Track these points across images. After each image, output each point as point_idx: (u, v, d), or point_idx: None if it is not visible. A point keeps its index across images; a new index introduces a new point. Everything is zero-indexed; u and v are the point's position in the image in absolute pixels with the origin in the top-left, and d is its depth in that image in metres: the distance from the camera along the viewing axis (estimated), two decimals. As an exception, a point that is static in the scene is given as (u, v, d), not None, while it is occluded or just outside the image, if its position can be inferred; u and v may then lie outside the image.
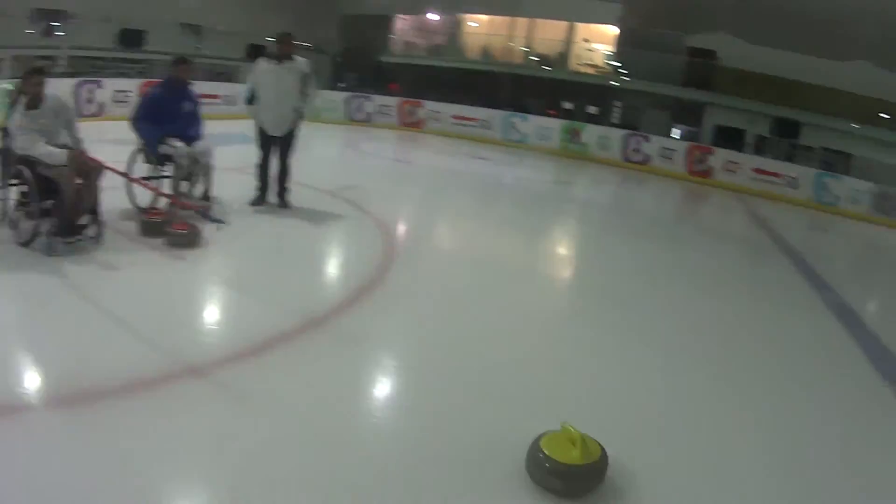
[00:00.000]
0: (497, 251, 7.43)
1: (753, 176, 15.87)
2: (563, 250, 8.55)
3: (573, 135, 17.86)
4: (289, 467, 2.66)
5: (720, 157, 16.38)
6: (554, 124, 18.16)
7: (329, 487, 2.59)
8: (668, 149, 17.04)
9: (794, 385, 4.47)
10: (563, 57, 21.75)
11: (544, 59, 21.87)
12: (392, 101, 18.52)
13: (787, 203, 15.12)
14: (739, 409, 3.90)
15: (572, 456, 2.66)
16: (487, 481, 2.79)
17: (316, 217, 6.79)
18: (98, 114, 12.14)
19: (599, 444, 2.80)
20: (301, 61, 6.37)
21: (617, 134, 17.74)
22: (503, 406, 3.44)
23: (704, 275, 7.62)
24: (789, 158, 16.96)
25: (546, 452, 2.69)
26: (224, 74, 18.99)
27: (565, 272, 7.38)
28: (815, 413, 4.08)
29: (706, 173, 16.39)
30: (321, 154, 12.45)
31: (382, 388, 3.71)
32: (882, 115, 17.74)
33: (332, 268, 5.92)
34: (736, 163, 16.17)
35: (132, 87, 12.75)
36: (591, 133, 17.80)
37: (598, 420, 3.15)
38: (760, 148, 17.71)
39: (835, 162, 16.71)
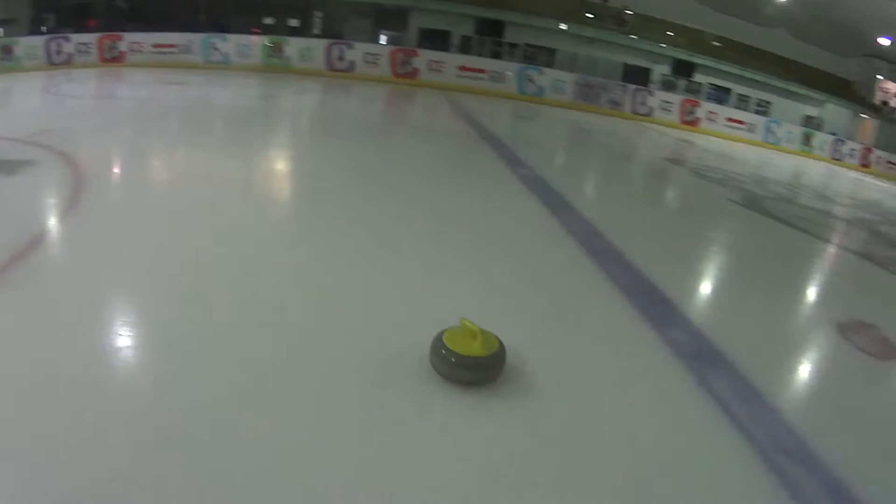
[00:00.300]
0: (208, 173, 6.61)
1: (458, 73, 15.00)
2: (282, 164, 7.67)
3: (275, 50, 16.12)
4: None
5: (424, 58, 15.25)
6: (255, 42, 16.52)
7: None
8: (373, 54, 15.63)
9: (513, 242, 5.09)
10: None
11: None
12: (91, 38, 16.04)
13: (494, 96, 14.73)
14: (496, 266, 4.32)
15: (474, 348, 2.78)
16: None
17: (6, 168, 5.95)
18: None
19: (496, 336, 2.92)
20: None
21: (320, 44, 16.20)
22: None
23: (421, 168, 7.62)
24: (495, 55, 16.27)
25: (450, 347, 2.77)
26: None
27: (290, 185, 6.76)
28: (528, 256, 4.71)
29: (412, 74, 15.16)
30: (17, 104, 11.26)
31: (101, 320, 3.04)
32: (587, 14, 17.74)
33: (23, 215, 4.85)
34: (440, 62, 15.15)
35: None
36: (294, 46, 16.25)
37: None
38: (466, 47, 16.86)
39: (538, 57, 16.31)
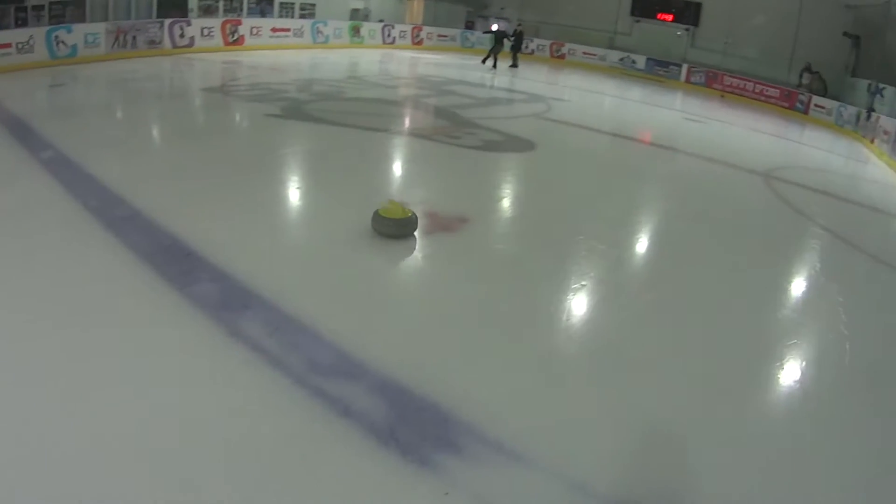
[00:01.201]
0: None
1: (-16, 53, 14.71)
2: None
3: None
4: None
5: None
6: None
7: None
8: None
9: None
10: None
11: None
12: None
13: (25, 69, 14.57)
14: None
15: (399, 213, 5.45)
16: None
17: None
18: None
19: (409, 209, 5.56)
20: None
21: None
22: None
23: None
24: (22, 23, 16.19)
25: (386, 216, 5.44)
26: None
27: None
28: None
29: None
30: None
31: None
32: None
33: None
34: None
35: None
36: None
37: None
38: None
39: (67, 13, 16.55)
